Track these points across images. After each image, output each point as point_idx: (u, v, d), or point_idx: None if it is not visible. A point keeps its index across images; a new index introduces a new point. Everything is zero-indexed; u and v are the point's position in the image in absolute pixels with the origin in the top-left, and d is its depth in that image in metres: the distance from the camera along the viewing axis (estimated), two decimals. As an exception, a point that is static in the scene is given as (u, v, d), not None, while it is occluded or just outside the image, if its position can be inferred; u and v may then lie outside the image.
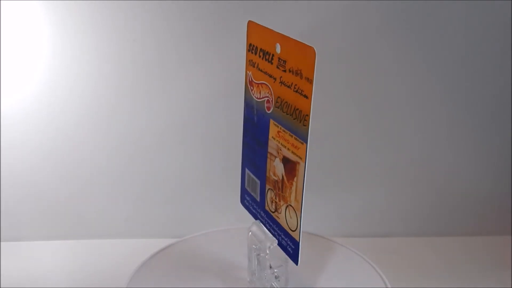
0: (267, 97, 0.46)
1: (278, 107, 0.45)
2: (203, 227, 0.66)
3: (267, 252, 0.48)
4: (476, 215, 0.83)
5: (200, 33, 0.74)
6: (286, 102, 0.43)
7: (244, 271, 0.53)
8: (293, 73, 0.42)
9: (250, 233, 0.50)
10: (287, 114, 0.43)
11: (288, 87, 0.43)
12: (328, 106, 0.78)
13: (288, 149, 0.44)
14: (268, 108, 0.46)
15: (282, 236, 0.46)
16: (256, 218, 0.51)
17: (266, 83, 0.46)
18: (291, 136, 0.43)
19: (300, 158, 0.42)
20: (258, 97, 0.48)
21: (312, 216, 0.82)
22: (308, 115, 0.40)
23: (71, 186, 0.80)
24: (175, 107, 0.77)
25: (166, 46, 0.74)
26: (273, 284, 0.48)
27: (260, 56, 0.46)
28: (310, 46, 0.40)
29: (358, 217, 0.83)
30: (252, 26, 0.47)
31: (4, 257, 0.76)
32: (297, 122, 0.42)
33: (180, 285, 0.52)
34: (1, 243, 0.80)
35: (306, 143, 0.41)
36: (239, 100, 0.77)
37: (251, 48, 0.48)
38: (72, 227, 0.81)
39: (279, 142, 0.45)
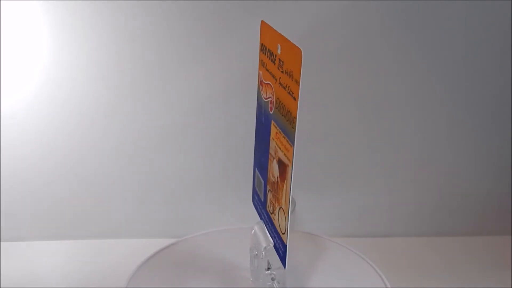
0: (270, 97, 0.46)
1: (277, 108, 0.45)
2: (203, 227, 0.66)
3: (263, 253, 0.48)
4: (476, 215, 0.83)
5: (200, 33, 0.74)
6: (282, 103, 0.43)
7: (244, 271, 0.53)
8: (287, 75, 0.42)
9: (253, 232, 0.50)
10: (282, 115, 0.43)
11: (284, 88, 0.43)
12: (328, 106, 0.78)
13: (282, 151, 0.44)
14: (271, 109, 0.46)
15: (277, 238, 0.47)
16: (261, 218, 0.52)
17: (270, 83, 0.46)
18: (284, 138, 0.43)
19: (289, 161, 0.42)
20: (265, 97, 0.48)
21: (312, 216, 0.82)
22: (295, 118, 0.41)
23: (71, 186, 0.80)
24: (175, 107, 0.77)
25: (166, 46, 0.74)
26: (274, 284, 0.49)
27: (267, 57, 0.47)
28: (297, 47, 0.39)
29: (358, 217, 0.83)
30: (263, 26, 0.47)
31: (4, 257, 0.76)
32: (288, 124, 0.42)
33: (180, 285, 0.52)
34: (1, 243, 0.80)
35: (293, 146, 0.41)
36: (240, 100, 0.78)
37: (262, 48, 0.48)
38: (72, 227, 0.81)
39: (276, 144, 0.45)
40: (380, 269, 0.55)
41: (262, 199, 0.51)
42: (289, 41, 0.42)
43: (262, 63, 0.49)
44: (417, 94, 0.78)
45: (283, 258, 0.45)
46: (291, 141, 0.42)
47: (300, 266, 0.55)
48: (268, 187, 0.49)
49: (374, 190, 0.82)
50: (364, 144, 0.80)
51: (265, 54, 0.48)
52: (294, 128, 0.41)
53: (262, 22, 0.48)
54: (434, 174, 0.81)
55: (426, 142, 0.80)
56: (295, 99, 0.40)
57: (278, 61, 0.44)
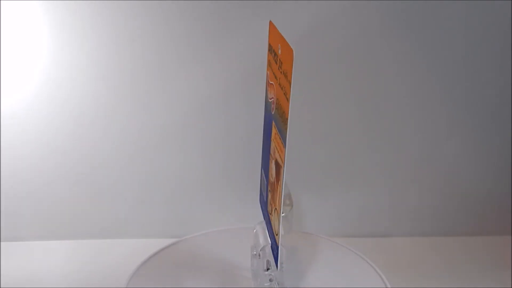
0: (273, 98, 0.46)
1: (277, 109, 0.45)
2: (203, 227, 0.66)
3: (260, 253, 0.48)
4: (476, 215, 0.83)
5: (200, 33, 0.74)
6: (280, 104, 0.43)
7: (244, 271, 0.53)
8: (284, 75, 0.42)
9: (255, 231, 0.50)
10: (279, 116, 0.43)
11: (282, 89, 0.43)
12: (328, 106, 0.78)
13: (278, 151, 0.44)
14: (273, 109, 0.46)
15: (273, 239, 0.47)
16: (264, 218, 0.52)
17: (274, 84, 0.46)
18: (280, 139, 0.43)
19: (283, 162, 0.43)
20: (270, 97, 0.48)
21: (312, 216, 0.82)
22: (287, 119, 0.41)
23: (71, 186, 0.80)
24: (175, 107, 0.77)
25: (166, 46, 0.75)
26: (272, 284, 0.49)
27: (273, 57, 0.47)
28: (290, 47, 0.39)
29: (358, 217, 0.83)
30: (270, 27, 0.48)
31: (4, 257, 0.77)
32: (283, 125, 0.42)
33: (180, 285, 0.52)
34: (1, 243, 0.80)
35: (285, 147, 0.41)
36: (240, 100, 0.78)
37: (269, 49, 0.48)
38: (72, 227, 0.81)
39: (274, 144, 0.46)
40: (380, 269, 0.55)
41: (265, 200, 0.51)
42: (285, 41, 0.42)
43: (269, 64, 0.49)
44: (417, 94, 0.78)
45: (275, 259, 0.45)
46: (284, 142, 0.42)
47: (300, 266, 0.55)
48: (269, 188, 0.49)
49: (374, 190, 0.82)
50: (364, 144, 0.80)
51: (271, 55, 0.48)
52: (286, 129, 0.41)
53: (270, 23, 0.48)
54: (434, 174, 0.81)
55: (426, 142, 0.80)
56: (288, 100, 0.40)
57: (279, 62, 0.44)
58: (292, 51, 0.39)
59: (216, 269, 0.55)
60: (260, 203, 0.55)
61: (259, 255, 0.48)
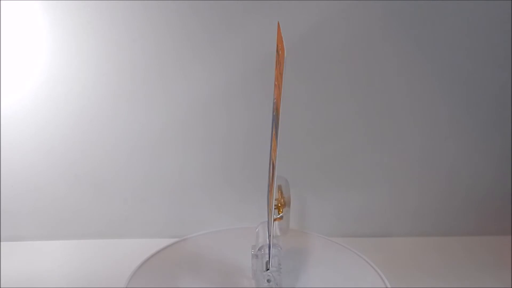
0: (275, 98, 0.47)
1: (276, 109, 0.45)
2: (203, 227, 0.66)
3: (257, 253, 0.48)
4: (476, 215, 0.83)
5: (200, 33, 0.74)
6: (277, 104, 0.44)
7: (244, 271, 0.53)
8: (281, 76, 0.42)
9: (256, 231, 0.50)
10: (276, 116, 0.44)
11: (279, 89, 0.43)
12: (328, 106, 0.78)
13: (273, 152, 0.44)
14: (274, 110, 0.46)
15: (270, 239, 0.47)
16: (268, 218, 0.52)
17: (277, 84, 0.47)
18: (276, 140, 0.43)
19: (275, 162, 0.43)
20: (274, 98, 0.48)
21: (311, 216, 0.82)
22: (279, 119, 0.41)
23: (71, 186, 0.80)
24: (175, 106, 0.77)
25: (166, 46, 0.74)
26: (270, 285, 0.49)
27: (277, 58, 0.47)
28: (283, 48, 0.40)
29: (357, 217, 0.83)
30: (278, 28, 0.48)
31: (4, 257, 0.77)
32: (278, 124, 0.42)
33: (180, 285, 0.52)
34: (1, 243, 0.80)
35: (277, 146, 0.42)
36: (239, 100, 0.78)
37: (276, 49, 0.48)
38: (72, 227, 0.81)
39: (273, 145, 0.46)
40: (379, 269, 0.56)
41: (267, 200, 0.51)
42: (282, 42, 0.42)
43: (275, 64, 0.49)
44: (417, 94, 0.78)
45: (268, 259, 0.45)
46: (277, 142, 0.42)
47: (299, 266, 0.55)
48: (268, 189, 0.49)
49: (374, 190, 0.82)
50: (364, 144, 0.80)
51: (277, 55, 0.48)
52: (278, 128, 0.41)
53: (278, 24, 0.48)
54: (434, 174, 0.81)
55: (426, 142, 0.80)
56: (280, 100, 0.41)
57: (279, 63, 0.44)
58: (284, 51, 0.39)
59: (216, 269, 0.55)
60: (267, 204, 0.55)
61: (257, 256, 0.48)
